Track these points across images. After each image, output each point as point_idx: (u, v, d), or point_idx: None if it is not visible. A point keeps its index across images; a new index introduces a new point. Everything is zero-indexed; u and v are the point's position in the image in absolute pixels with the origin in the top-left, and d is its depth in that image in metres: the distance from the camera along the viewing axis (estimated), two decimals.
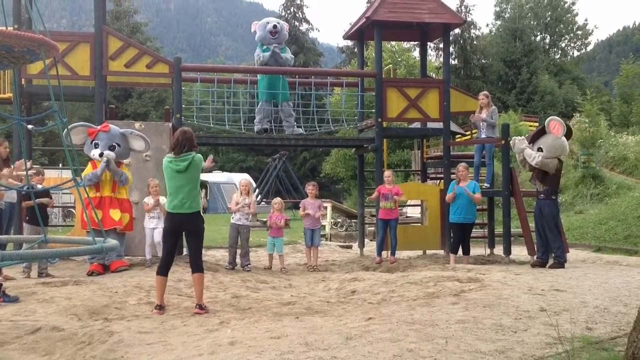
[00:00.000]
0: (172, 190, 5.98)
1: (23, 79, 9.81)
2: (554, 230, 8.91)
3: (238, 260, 9.40)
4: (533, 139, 9.17)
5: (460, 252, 9.62)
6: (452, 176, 10.35)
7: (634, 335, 3.11)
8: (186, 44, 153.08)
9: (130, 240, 9.16)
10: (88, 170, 8.53)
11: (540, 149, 9.00)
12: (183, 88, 10.40)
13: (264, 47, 10.63)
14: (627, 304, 5.67)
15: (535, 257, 9.28)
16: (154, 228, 8.83)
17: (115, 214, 8.38)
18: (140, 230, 9.10)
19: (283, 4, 51.24)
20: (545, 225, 8.93)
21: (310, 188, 10.04)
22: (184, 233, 6.19)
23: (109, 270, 8.27)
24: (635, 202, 15.16)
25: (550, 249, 8.95)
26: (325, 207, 15.79)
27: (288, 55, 10.84)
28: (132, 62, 10.01)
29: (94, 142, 8.49)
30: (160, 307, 5.93)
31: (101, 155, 8.40)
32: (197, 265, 6.05)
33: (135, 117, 35.07)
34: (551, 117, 9.51)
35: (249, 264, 9.35)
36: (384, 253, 9.85)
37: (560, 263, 8.74)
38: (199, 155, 6.02)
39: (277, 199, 10.21)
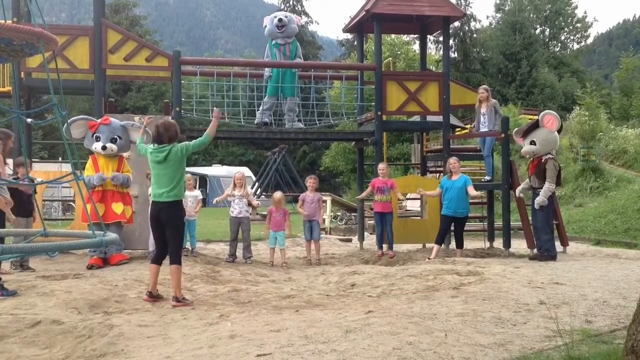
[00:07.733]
0: (154, 179, 6.18)
1: (22, 73, 9.79)
2: (545, 222, 8.95)
3: (239, 253, 9.42)
4: (526, 132, 9.20)
5: (453, 245, 9.57)
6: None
7: (633, 328, 3.11)
8: (185, 37, 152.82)
9: (130, 233, 9.17)
10: (89, 167, 8.44)
11: (533, 142, 9.08)
12: (182, 81, 10.38)
13: (273, 42, 10.65)
14: (626, 296, 5.68)
15: (534, 250, 9.29)
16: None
17: (118, 208, 8.38)
18: (140, 223, 9.09)
19: None
20: (537, 217, 8.99)
21: (310, 181, 9.91)
22: (163, 223, 6.06)
23: (109, 264, 8.27)
24: (635, 195, 15.16)
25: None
26: (325, 201, 15.78)
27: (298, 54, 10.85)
28: (132, 56, 9.99)
29: (95, 135, 8.46)
30: (151, 295, 6.06)
31: (104, 148, 8.36)
32: (175, 257, 6.02)
33: (134, 111, 35.03)
34: (546, 111, 9.57)
35: (251, 257, 9.40)
36: (384, 247, 9.84)
37: (551, 256, 8.76)
38: (180, 145, 6.08)
39: (278, 194, 9.80)
